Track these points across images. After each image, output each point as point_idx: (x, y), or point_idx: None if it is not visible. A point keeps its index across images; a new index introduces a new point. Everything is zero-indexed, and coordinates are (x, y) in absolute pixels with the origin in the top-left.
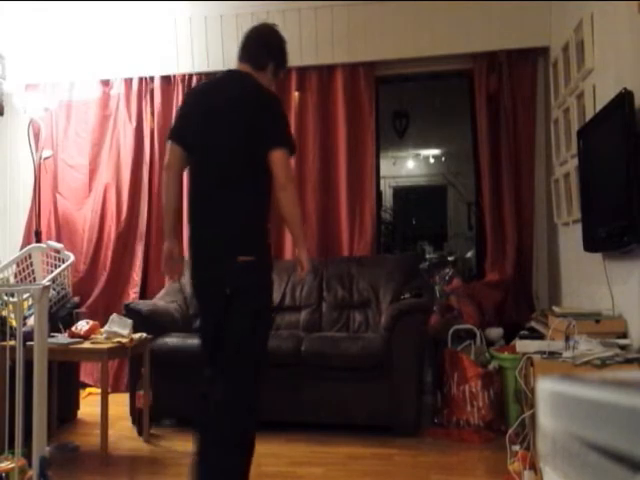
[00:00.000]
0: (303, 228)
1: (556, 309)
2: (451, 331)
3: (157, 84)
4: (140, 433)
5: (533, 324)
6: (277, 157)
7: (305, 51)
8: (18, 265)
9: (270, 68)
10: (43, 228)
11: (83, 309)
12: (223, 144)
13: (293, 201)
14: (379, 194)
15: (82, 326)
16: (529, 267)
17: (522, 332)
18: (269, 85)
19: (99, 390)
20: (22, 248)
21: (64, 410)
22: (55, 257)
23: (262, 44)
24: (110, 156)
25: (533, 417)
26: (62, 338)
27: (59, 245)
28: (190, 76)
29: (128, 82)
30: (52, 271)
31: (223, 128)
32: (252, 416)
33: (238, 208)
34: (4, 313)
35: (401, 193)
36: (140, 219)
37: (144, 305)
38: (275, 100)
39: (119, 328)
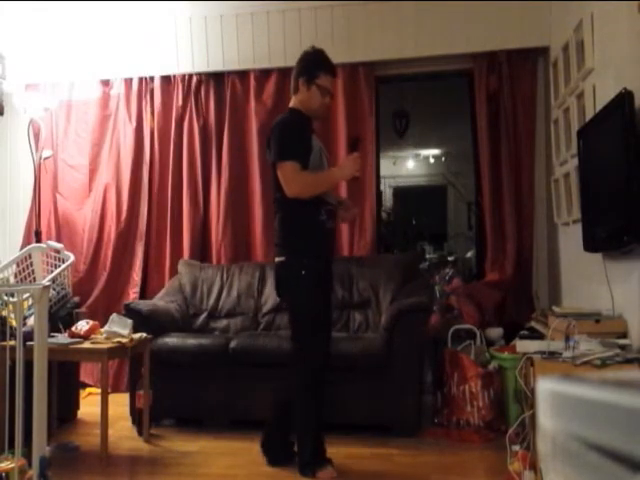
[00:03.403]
0: (322, 184)
1: (556, 309)
2: (451, 331)
3: (157, 84)
4: (140, 433)
5: (533, 324)
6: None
7: None
8: (18, 265)
9: (302, 82)
10: (43, 228)
11: (83, 309)
12: None
13: (300, 193)
14: (379, 194)
15: (82, 326)
16: (529, 267)
17: (522, 332)
18: (309, 100)
19: (99, 390)
20: (22, 248)
21: (64, 410)
22: (55, 257)
23: (294, 70)
24: (110, 156)
25: (533, 417)
26: (62, 338)
27: (59, 245)
28: (190, 76)
29: (128, 82)
30: (52, 271)
31: None
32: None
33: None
34: (4, 313)
35: (401, 193)
36: (140, 219)
37: (144, 305)
38: (276, 125)
39: (119, 328)
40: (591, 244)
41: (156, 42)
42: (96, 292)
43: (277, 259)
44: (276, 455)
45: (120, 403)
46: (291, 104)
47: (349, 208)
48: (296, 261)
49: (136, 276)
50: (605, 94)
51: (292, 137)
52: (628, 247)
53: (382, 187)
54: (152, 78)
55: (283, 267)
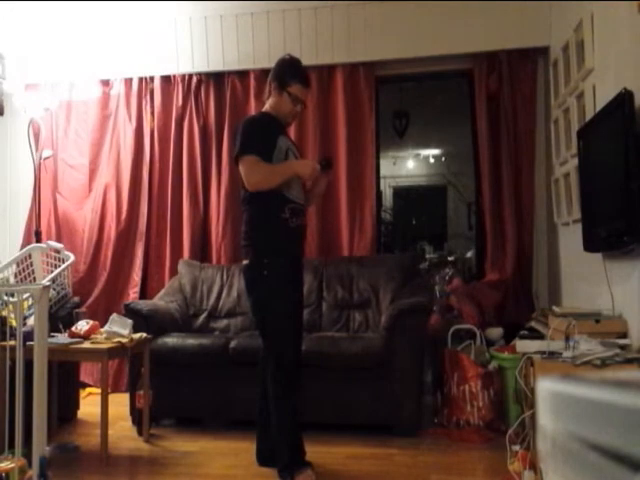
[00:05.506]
0: (280, 173)
1: (556, 309)
2: (451, 331)
3: (157, 84)
4: (140, 433)
5: (533, 324)
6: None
7: (305, 51)
8: (18, 265)
9: (274, 87)
10: (43, 228)
11: (83, 309)
12: None
13: (258, 183)
14: (379, 194)
15: (82, 326)
16: (529, 267)
17: (522, 332)
18: (279, 105)
19: (99, 390)
20: (22, 248)
21: (64, 410)
22: (55, 257)
23: (269, 75)
24: (110, 156)
25: (533, 417)
26: (62, 338)
27: (59, 245)
28: (190, 76)
29: (128, 82)
30: (52, 271)
31: None
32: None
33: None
34: (4, 313)
35: (401, 193)
36: (140, 219)
37: (144, 305)
38: (241, 122)
39: (119, 328)
40: (591, 244)
41: (156, 42)
42: (96, 292)
43: (244, 262)
44: (264, 456)
45: (120, 403)
46: (264, 108)
47: (318, 180)
48: (258, 262)
49: (136, 276)
50: (605, 94)
51: (254, 133)
52: (628, 247)
53: (382, 187)
54: (152, 78)
55: (247, 269)
